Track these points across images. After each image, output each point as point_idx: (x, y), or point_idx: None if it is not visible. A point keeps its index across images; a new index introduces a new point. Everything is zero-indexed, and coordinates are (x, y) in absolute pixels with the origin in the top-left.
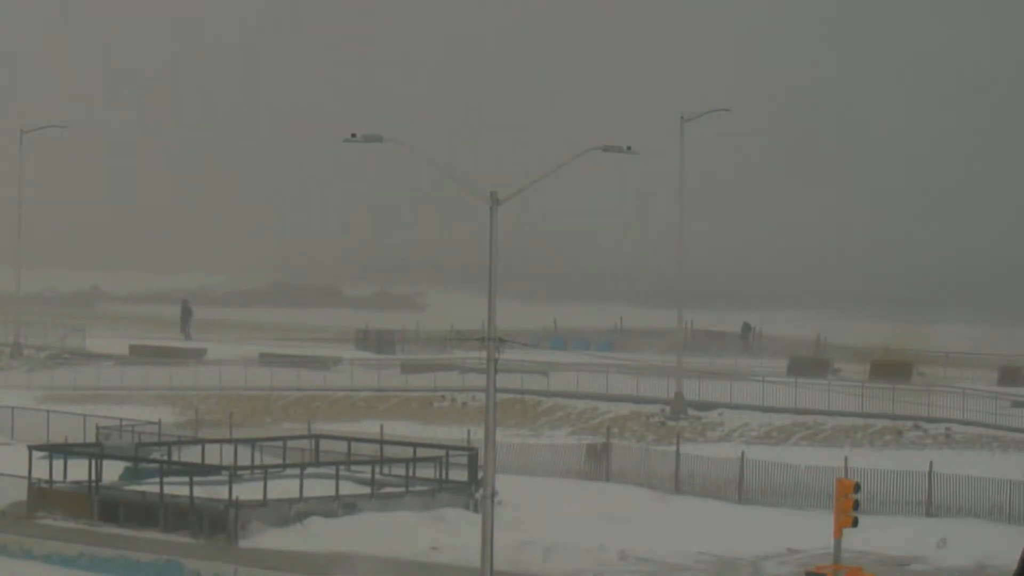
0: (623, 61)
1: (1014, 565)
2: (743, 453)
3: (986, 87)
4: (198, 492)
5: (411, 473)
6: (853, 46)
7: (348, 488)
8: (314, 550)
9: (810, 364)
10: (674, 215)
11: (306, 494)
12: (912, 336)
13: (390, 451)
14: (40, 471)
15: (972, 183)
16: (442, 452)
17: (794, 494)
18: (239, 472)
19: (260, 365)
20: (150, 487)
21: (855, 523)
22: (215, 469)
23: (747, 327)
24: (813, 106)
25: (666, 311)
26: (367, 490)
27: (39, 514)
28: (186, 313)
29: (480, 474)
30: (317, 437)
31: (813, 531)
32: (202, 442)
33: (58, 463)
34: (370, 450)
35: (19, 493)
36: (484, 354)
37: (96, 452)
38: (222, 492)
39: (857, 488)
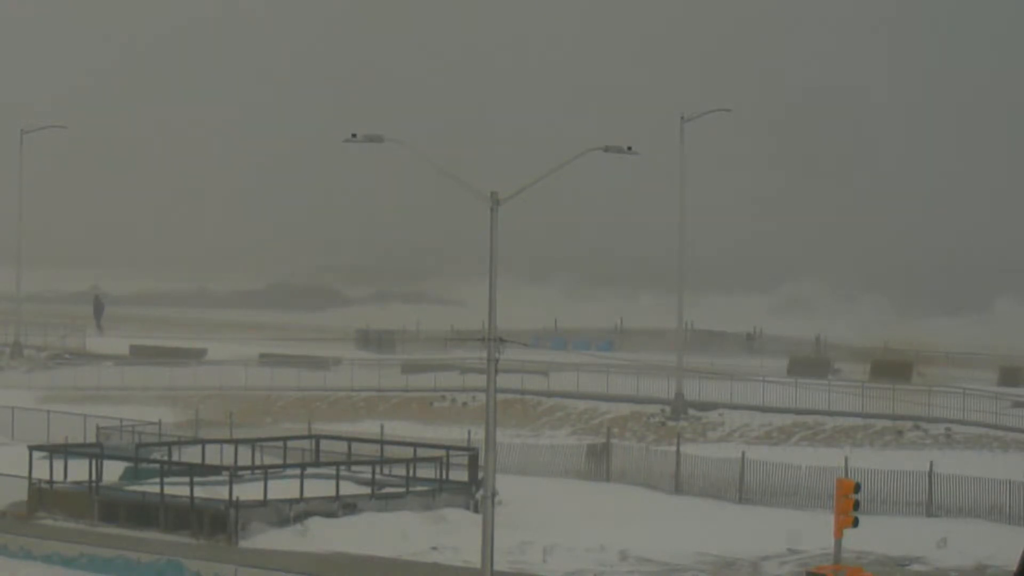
0: (622, 61)
1: (1014, 565)
2: (743, 453)
3: (987, 86)
4: (198, 492)
5: (411, 473)
6: (854, 46)
7: (348, 488)
8: (314, 550)
9: (810, 364)
10: (674, 215)
11: (306, 494)
12: (912, 336)
13: (390, 451)
14: (40, 471)
15: (973, 183)
16: (442, 452)
17: (794, 494)
18: (239, 472)
19: (260, 365)
20: (150, 487)
21: (855, 523)
22: (215, 469)
23: (751, 336)
24: (814, 106)
25: (666, 311)
26: (367, 490)
27: (39, 514)
28: (98, 308)
29: (480, 474)
30: (317, 437)
31: (813, 531)
32: (202, 442)
33: (58, 463)
34: (370, 450)
35: (19, 493)
36: (484, 354)
37: (96, 452)
38: (222, 492)
39: (857, 488)
